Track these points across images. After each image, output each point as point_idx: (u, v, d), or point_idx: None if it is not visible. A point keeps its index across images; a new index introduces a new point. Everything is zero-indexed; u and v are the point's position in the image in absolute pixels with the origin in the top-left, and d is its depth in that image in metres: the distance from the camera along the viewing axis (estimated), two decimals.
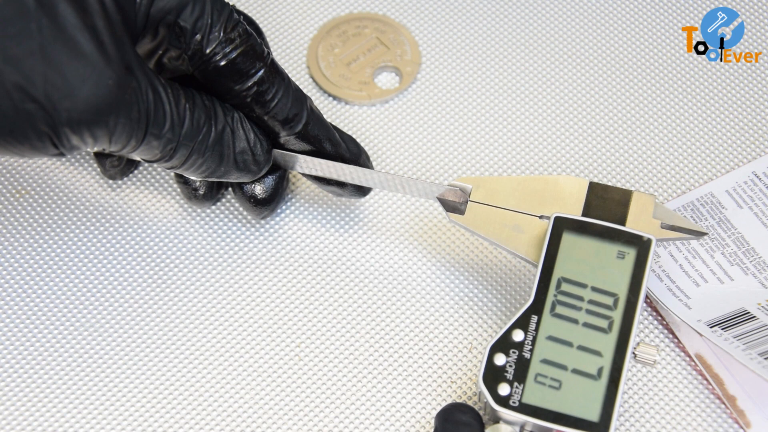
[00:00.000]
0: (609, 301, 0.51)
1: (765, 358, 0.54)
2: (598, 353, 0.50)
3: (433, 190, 0.55)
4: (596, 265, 0.52)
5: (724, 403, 0.55)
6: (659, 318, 0.58)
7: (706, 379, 0.56)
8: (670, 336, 0.57)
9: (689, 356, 0.57)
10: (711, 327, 0.56)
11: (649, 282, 0.58)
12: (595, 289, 0.51)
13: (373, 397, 0.56)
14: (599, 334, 0.50)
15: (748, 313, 0.56)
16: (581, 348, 0.50)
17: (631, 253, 0.52)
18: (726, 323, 0.56)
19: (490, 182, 0.55)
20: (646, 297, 0.58)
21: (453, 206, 0.55)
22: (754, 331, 0.55)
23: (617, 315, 0.51)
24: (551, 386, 0.50)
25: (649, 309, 0.58)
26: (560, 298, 0.51)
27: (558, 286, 0.52)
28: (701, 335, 0.56)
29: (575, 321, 0.51)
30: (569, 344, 0.50)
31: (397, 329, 0.58)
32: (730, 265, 0.58)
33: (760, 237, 0.59)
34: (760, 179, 0.62)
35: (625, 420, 0.55)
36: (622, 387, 0.49)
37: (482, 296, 0.59)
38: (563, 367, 0.50)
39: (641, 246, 0.52)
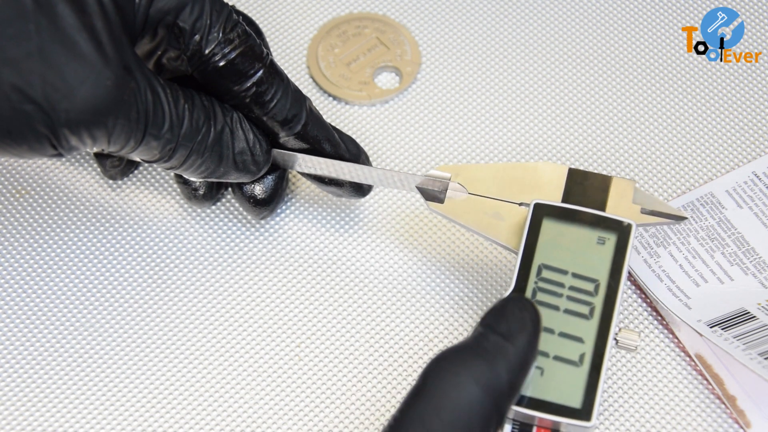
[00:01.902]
0: (590, 287, 0.51)
1: (765, 358, 0.54)
2: (579, 339, 0.50)
3: (411, 181, 0.55)
4: (577, 251, 0.51)
5: (724, 403, 0.55)
6: (659, 318, 0.58)
7: (706, 379, 0.56)
8: (670, 336, 0.57)
9: (689, 356, 0.57)
10: (711, 327, 0.56)
11: (646, 277, 0.58)
12: (575, 276, 0.51)
13: (373, 397, 0.56)
14: (580, 321, 0.50)
15: (748, 313, 0.56)
16: (563, 335, 0.50)
17: (611, 239, 0.52)
18: (726, 323, 0.56)
19: (469, 170, 0.55)
20: (646, 297, 0.59)
21: (432, 195, 0.55)
22: (754, 331, 0.55)
23: (598, 301, 0.50)
24: (534, 373, 0.49)
25: (649, 309, 0.58)
26: (541, 285, 0.51)
27: (539, 273, 0.51)
28: (701, 335, 0.56)
29: (556, 308, 0.50)
30: (551, 331, 0.50)
31: (397, 329, 0.58)
32: (730, 265, 0.58)
33: (760, 237, 0.59)
34: (760, 179, 0.62)
35: (625, 420, 0.55)
36: (604, 373, 0.49)
37: (482, 296, 0.59)
38: (545, 354, 0.49)
39: (621, 231, 0.52)
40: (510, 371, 0.45)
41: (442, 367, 0.45)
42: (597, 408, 0.48)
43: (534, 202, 0.52)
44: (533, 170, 0.54)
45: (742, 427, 0.54)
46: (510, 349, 0.46)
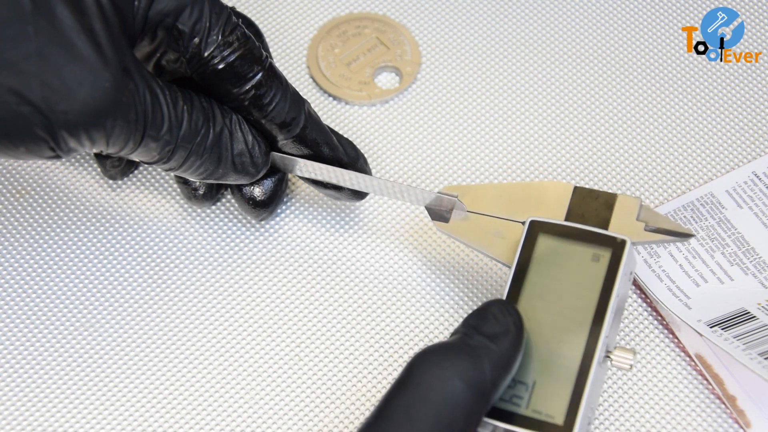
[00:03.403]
0: (580, 303, 0.50)
1: (765, 358, 0.54)
2: (566, 356, 0.49)
3: (413, 193, 0.55)
4: (570, 268, 0.51)
5: (724, 403, 0.55)
6: (659, 318, 0.58)
7: (706, 379, 0.56)
8: (670, 336, 0.57)
9: (689, 356, 0.57)
10: (711, 327, 0.56)
11: (646, 277, 0.58)
12: (567, 292, 0.51)
13: (373, 398, 0.56)
14: (568, 337, 0.50)
15: (748, 313, 0.56)
16: (549, 351, 0.50)
17: (605, 256, 0.51)
18: (726, 323, 0.56)
19: (475, 190, 0.55)
20: (646, 297, 0.59)
21: (438, 215, 0.55)
22: (754, 331, 0.55)
23: (587, 318, 0.50)
24: (518, 389, 0.49)
25: (649, 309, 0.58)
26: (532, 300, 0.51)
27: (530, 288, 0.51)
28: (701, 335, 0.56)
29: (545, 323, 0.50)
30: (537, 346, 0.50)
31: (397, 329, 0.58)
32: (730, 265, 0.58)
33: (760, 237, 0.59)
34: (760, 179, 0.62)
35: (625, 420, 0.55)
36: (588, 390, 0.48)
37: (481, 296, 0.59)
38: (530, 370, 0.49)
39: (615, 248, 0.51)
40: (493, 370, 0.47)
41: (428, 360, 0.46)
42: (579, 425, 0.48)
43: (529, 219, 0.52)
44: (538, 189, 0.54)
45: (742, 427, 0.54)
46: (494, 348, 0.47)
